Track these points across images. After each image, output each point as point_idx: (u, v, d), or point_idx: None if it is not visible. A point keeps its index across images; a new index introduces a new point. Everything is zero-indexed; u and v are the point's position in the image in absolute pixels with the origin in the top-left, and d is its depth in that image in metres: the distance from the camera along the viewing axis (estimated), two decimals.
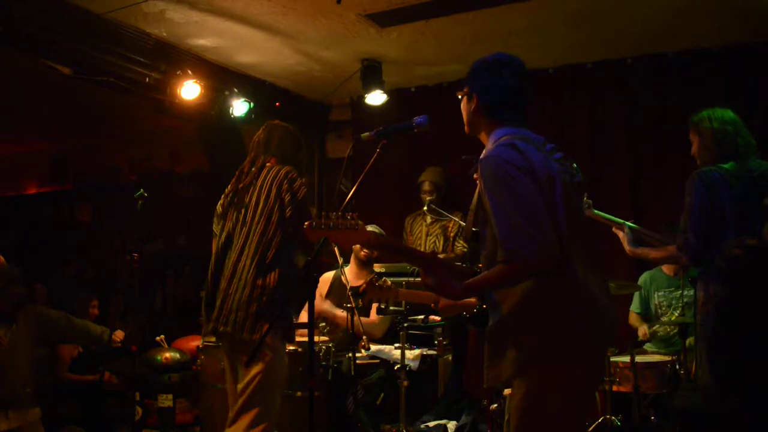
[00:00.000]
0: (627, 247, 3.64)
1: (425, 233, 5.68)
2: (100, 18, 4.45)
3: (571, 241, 2.08)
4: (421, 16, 4.60)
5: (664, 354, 4.55)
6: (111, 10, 4.37)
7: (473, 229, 2.36)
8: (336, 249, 4.25)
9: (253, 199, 3.25)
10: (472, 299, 2.41)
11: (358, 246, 4.70)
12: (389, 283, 3.32)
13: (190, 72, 5.00)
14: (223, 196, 3.44)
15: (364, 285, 3.26)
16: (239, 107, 5.37)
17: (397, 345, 4.32)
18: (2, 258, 4.16)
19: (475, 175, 2.52)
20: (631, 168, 5.40)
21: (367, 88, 5.53)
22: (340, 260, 4.42)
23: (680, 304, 4.61)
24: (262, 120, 5.80)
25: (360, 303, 4.30)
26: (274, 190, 3.19)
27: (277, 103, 5.99)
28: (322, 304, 4.73)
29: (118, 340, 4.58)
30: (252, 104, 5.40)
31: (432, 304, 3.11)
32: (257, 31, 4.81)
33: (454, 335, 4.96)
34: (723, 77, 5.09)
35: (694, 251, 3.16)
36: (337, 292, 4.80)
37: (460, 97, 2.36)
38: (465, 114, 2.34)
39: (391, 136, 2.54)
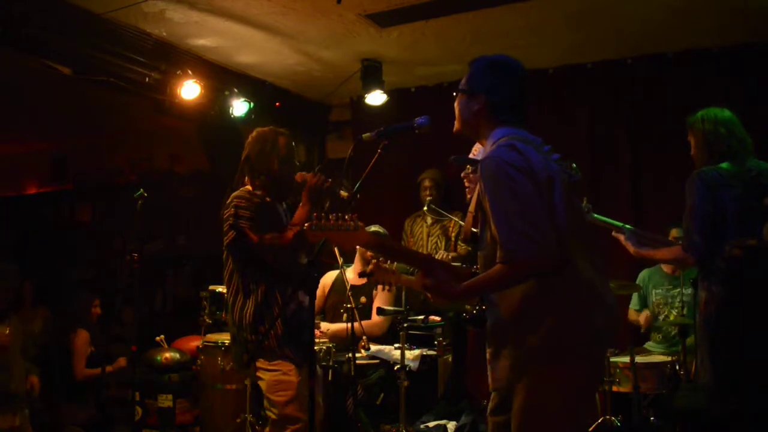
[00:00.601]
0: (631, 248, 3.63)
1: (426, 234, 5.68)
2: (100, 18, 4.45)
3: (571, 241, 2.08)
4: (421, 16, 4.59)
5: (664, 354, 4.55)
6: (111, 10, 4.36)
7: (473, 230, 2.36)
8: (336, 249, 4.25)
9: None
10: None
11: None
12: (394, 266, 3.34)
13: (190, 72, 5.00)
14: None
15: (372, 266, 3.24)
16: (239, 107, 5.37)
17: (397, 345, 4.32)
18: None
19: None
20: (631, 168, 5.40)
21: (367, 88, 5.53)
22: (340, 260, 4.42)
23: (678, 303, 4.62)
24: (262, 120, 5.84)
25: (362, 301, 4.30)
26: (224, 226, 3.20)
27: (277, 103, 5.99)
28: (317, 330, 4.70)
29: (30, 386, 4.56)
30: (252, 104, 5.40)
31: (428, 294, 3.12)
32: (257, 31, 4.81)
33: (454, 335, 4.96)
34: (723, 77, 5.09)
35: (699, 252, 3.17)
36: (338, 290, 4.80)
37: (455, 94, 2.35)
38: (463, 112, 2.32)
39: (392, 136, 2.54)
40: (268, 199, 3.28)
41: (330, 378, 4.07)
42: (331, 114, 6.75)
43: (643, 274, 4.88)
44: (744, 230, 3.12)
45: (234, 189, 3.31)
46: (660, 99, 5.35)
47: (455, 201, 5.54)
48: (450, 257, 5.23)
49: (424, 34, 4.93)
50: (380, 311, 4.44)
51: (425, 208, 5.47)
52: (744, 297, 3.12)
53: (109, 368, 5.20)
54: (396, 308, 4.37)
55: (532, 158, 2.09)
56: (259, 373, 3.14)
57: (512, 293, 2.10)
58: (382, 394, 4.51)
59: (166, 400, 4.88)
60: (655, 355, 4.61)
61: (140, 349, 4.98)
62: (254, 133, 3.42)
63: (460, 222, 5.30)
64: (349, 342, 4.14)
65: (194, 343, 5.06)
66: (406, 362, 4.27)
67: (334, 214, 2.14)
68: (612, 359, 4.22)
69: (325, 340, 4.30)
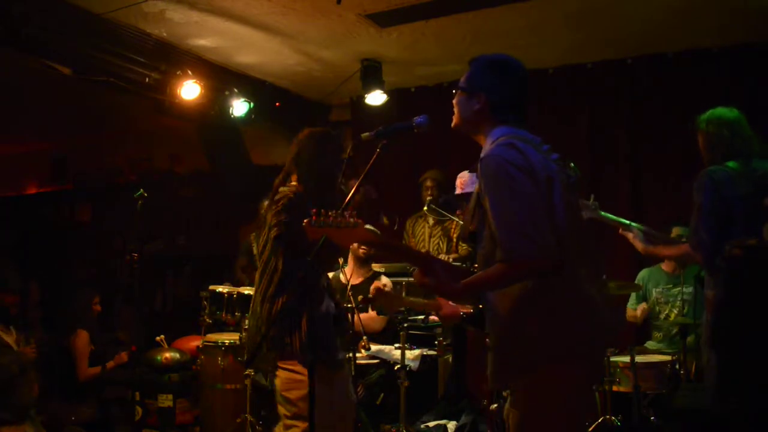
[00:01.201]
0: (639, 245, 3.64)
1: (428, 235, 5.67)
2: (100, 18, 4.45)
3: (570, 241, 2.08)
4: (421, 16, 4.60)
5: (665, 353, 4.55)
6: (111, 10, 4.36)
7: (471, 229, 2.35)
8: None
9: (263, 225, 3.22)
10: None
11: (356, 243, 4.69)
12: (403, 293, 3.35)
13: (190, 72, 5.00)
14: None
15: (373, 292, 3.24)
16: (239, 107, 5.37)
17: (397, 345, 4.32)
18: None
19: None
20: (631, 168, 5.40)
21: (367, 88, 5.53)
22: (341, 260, 4.42)
23: (678, 302, 4.62)
24: (262, 120, 5.85)
25: (360, 299, 4.30)
26: (269, 218, 3.14)
27: (277, 103, 5.99)
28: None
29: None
30: (252, 104, 5.40)
31: (434, 312, 3.10)
32: (257, 31, 4.81)
33: (454, 335, 4.96)
34: (723, 77, 5.10)
35: (706, 250, 3.18)
36: (334, 289, 4.78)
37: (454, 92, 2.35)
38: (463, 111, 2.31)
39: (391, 136, 2.53)
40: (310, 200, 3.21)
41: None
42: (331, 114, 6.76)
43: (642, 274, 4.89)
44: (750, 229, 3.14)
45: (280, 185, 3.24)
46: (660, 99, 5.35)
47: (456, 201, 5.53)
48: (451, 258, 5.23)
49: (424, 34, 4.93)
50: (380, 311, 4.45)
51: (425, 208, 5.47)
52: (744, 297, 3.12)
53: (110, 364, 5.19)
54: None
55: (532, 157, 2.08)
56: (277, 372, 3.14)
57: (511, 293, 2.09)
58: (382, 394, 4.51)
59: (166, 400, 4.87)
60: (655, 354, 4.60)
61: (140, 349, 4.99)
62: (306, 132, 3.30)
63: (461, 222, 5.30)
64: (349, 342, 4.14)
65: (194, 343, 5.07)
66: (406, 362, 4.27)
67: (333, 211, 2.13)
68: (612, 359, 4.22)
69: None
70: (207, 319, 4.68)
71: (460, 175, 3.83)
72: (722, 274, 3.18)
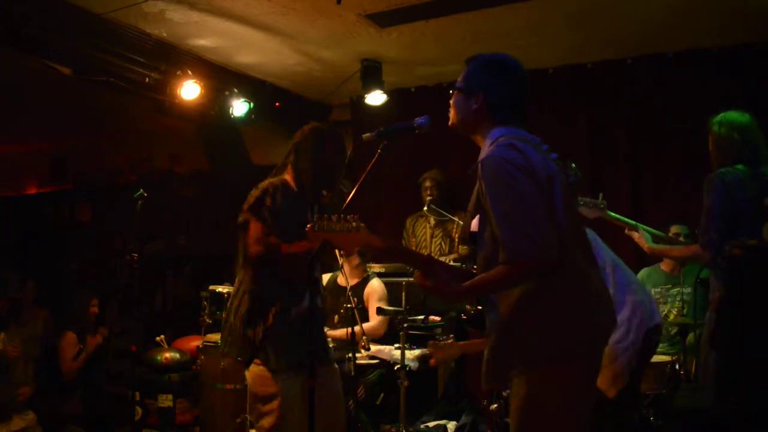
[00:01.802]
0: (646, 245, 3.65)
1: (430, 235, 5.68)
2: (100, 18, 4.45)
3: (569, 241, 2.08)
4: (421, 16, 4.59)
5: (664, 354, 4.55)
6: (111, 10, 4.36)
7: (472, 230, 2.35)
8: (337, 251, 4.23)
9: None
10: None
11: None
12: (449, 341, 3.43)
13: (190, 72, 5.00)
14: None
15: (431, 348, 3.22)
16: (239, 107, 5.37)
17: (397, 345, 4.32)
18: None
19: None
20: (631, 168, 5.40)
21: (367, 88, 5.53)
22: (341, 260, 4.42)
23: (678, 302, 4.62)
24: (262, 120, 5.85)
25: (356, 301, 4.31)
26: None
27: (277, 103, 5.99)
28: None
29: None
30: (252, 104, 5.40)
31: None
32: (257, 31, 4.81)
33: (455, 336, 4.96)
34: (723, 77, 5.09)
35: (715, 250, 3.19)
36: (332, 293, 4.78)
37: (451, 92, 2.34)
38: (460, 111, 2.31)
39: (392, 136, 2.53)
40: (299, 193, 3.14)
41: None
42: (331, 114, 6.75)
43: (641, 273, 4.89)
44: (757, 231, 3.15)
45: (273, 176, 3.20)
46: (660, 99, 5.35)
47: (457, 201, 5.54)
48: (451, 259, 5.23)
49: (424, 34, 4.93)
50: (380, 311, 4.44)
51: (425, 208, 5.47)
52: (744, 297, 3.12)
53: (89, 348, 5.18)
54: (396, 308, 4.37)
55: (532, 157, 2.08)
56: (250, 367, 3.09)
57: (511, 293, 2.09)
58: (382, 394, 4.51)
59: (166, 400, 4.88)
60: (655, 354, 4.60)
61: (140, 349, 4.98)
62: (312, 124, 3.24)
63: (462, 223, 5.30)
64: (349, 342, 4.14)
65: (194, 343, 5.06)
66: (406, 362, 4.26)
67: (335, 215, 2.11)
68: None
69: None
70: (207, 319, 4.69)
71: None
72: (723, 274, 3.19)
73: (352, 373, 4.12)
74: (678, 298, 4.65)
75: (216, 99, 5.36)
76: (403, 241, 5.79)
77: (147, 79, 4.96)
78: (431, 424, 4.56)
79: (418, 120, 2.52)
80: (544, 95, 5.52)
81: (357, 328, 4.07)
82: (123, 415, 5.02)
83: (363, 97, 5.68)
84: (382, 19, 4.65)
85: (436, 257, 5.00)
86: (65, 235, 8.69)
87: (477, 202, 2.19)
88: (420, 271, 2.14)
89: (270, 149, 6.26)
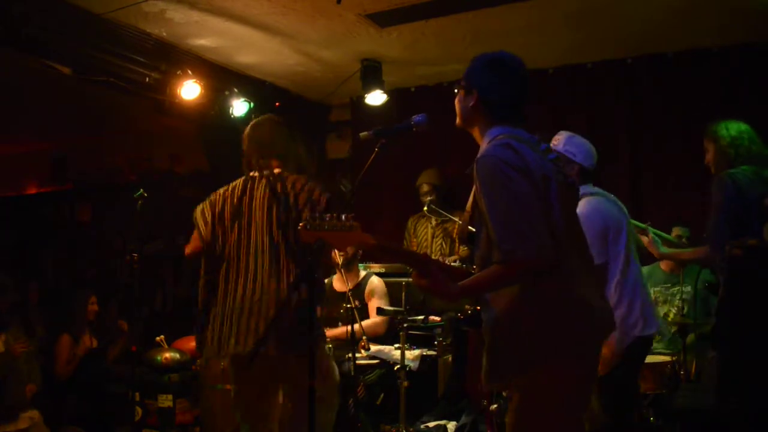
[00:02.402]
0: (656, 251, 3.66)
1: (431, 235, 5.68)
2: (100, 18, 4.45)
3: (566, 240, 2.08)
4: (421, 16, 4.59)
5: (664, 354, 4.55)
6: (111, 10, 4.36)
7: (469, 229, 2.35)
8: (336, 251, 4.22)
9: (264, 209, 3.19)
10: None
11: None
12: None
13: (190, 72, 5.00)
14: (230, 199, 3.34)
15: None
16: (239, 107, 5.37)
17: (397, 345, 4.32)
18: None
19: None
20: (631, 168, 5.40)
21: (367, 88, 5.53)
22: (340, 260, 4.41)
23: (678, 301, 4.62)
24: None
25: (357, 303, 4.30)
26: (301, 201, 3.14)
27: (277, 103, 5.98)
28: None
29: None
30: (252, 104, 5.40)
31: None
32: (257, 31, 4.81)
33: (454, 335, 4.96)
34: (723, 77, 5.10)
35: (724, 249, 3.19)
36: (329, 298, 4.76)
37: (456, 91, 2.35)
38: (460, 109, 2.32)
39: (390, 135, 2.53)
40: None
41: None
42: (331, 114, 6.75)
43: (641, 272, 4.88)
44: (760, 232, 3.16)
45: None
46: (660, 99, 5.35)
47: (456, 201, 5.54)
48: (451, 261, 5.23)
49: (424, 34, 4.93)
50: (380, 311, 4.44)
51: (425, 208, 5.47)
52: (744, 297, 3.12)
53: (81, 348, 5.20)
54: (396, 308, 4.37)
55: (528, 157, 2.08)
56: None
57: (507, 293, 2.09)
58: (382, 394, 4.51)
59: (166, 400, 4.87)
60: (655, 355, 4.60)
61: (140, 349, 4.98)
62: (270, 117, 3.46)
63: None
64: (349, 342, 4.14)
65: (194, 343, 5.05)
66: (406, 362, 4.26)
67: (329, 214, 2.11)
68: None
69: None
70: None
71: (559, 132, 3.73)
72: (723, 274, 3.20)
73: (352, 373, 4.12)
74: (677, 298, 4.65)
75: (216, 99, 5.36)
76: (405, 242, 5.79)
77: (147, 79, 4.96)
78: (431, 424, 4.56)
79: (416, 118, 2.52)
80: (543, 95, 5.52)
81: (356, 327, 4.07)
82: (123, 415, 5.02)
83: (363, 97, 5.68)
84: (382, 19, 4.65)
85: (437, 257, 5.04)
86: (65, 235, 8.68)
87: (474, 201, 2.19)
88: (415, 269, 2.13)
89: None
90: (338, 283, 4.83)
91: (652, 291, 4.80)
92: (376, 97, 5.59)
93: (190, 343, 5.24)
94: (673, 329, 4.67)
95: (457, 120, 2.35)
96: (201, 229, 3.28)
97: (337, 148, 6.69)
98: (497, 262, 2.02)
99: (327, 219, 2.08)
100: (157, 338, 5.26)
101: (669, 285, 4.75)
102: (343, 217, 2.08)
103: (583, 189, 3.27)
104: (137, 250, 4.55)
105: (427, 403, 4.75)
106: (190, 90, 4.98)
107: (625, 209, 3.46)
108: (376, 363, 4.55)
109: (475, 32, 4.88)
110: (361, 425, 4.16)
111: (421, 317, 4.39)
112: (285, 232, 3.11)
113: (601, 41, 5.15)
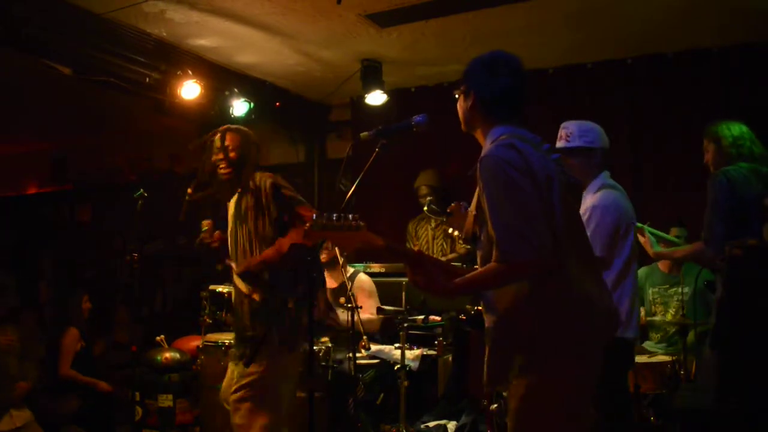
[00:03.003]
0: (651, 250, 3.67)
1: (431, 237, 5.69)
2: (100, 18, 4.45)
3: (568, 241, 2.08)
4: (421, 16, 4.60)
5: (664, 354, 4.55)
6: (111, 10, 4.37)
7: (472, 229, 2.35)
8: (337, 250, 4.23)
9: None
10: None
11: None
12: None
13: (190, 72, 5.00)
14: None
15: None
16: (239, 107, 5.37)
17: (397, 345, 4.32)
18: None
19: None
20: (631, 168, 5.39)
21: (367, 88, 5.53)
22: (341, 260, 4.42)
23: (676, 301, 4.62)
24: (262, 120, 5.85)
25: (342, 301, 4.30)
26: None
27: (277, 103, 5.99)
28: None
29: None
30: (252, 104, 5.40)
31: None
32: (257, 31, 4.81)
33: (455, 335, 4.96)
34: (723, 77, 5.10)
35: (720, 246, 3.20)
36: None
37: (457, 96, 2.35)
38: (461, 112, 2.33)
39: (390, 135, 2.53)
40: None
41: (330, 378, 4.06)
42: (331, 114, 6.76)
43: (640, 273, 4.88)
44: (760, 230, 3.16)
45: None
46: (660, 99, 5.35)
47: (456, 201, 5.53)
48: (450, 259, 5.23)
49: (424, 34, 4.93)
50: (380, 311, 4.44)
51: (425, 209, 5.46)
52: (744, 297, 3.12)
53: (88, 379, 5.19)
54: (396, 308, 4.37)
55: (530, 157, 2.08)
56: None
57: (509, 293, 2.09)
58: (382, 394, 4.50)
59: (166, 400, 4.87)
60: (655, 355, 4.60)
61: (140, 349, 4.98)
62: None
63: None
64: (349, 342, 4.14)
65: (194, 343, 5.06)
66: (406, 362, 4.26)
67: (336, 214, 2.09)
68: None
69: (326, 339, 4.29)
70: (207, 319, 4.67)
71: (563, 125, 3.71)
72: (723, 273, 3.20)
73: (352, 373, 4.12)
74: (676, 298, 4.65)
75: (216, 99, 5.36)
76: (407, 245, 5.79)
77: (147, 79, 4.96)
78: (431, 424, 4.56)
79: (416, 118, 2.51)
80: (543, 95, 5.52)
81: (347, 319, 4.06)
82: (123, 415, 5.02)
83: (363, 97, 5.68)
84: (382, 19, 4.65)
85: (437, 258, 5.03)
86: (65, 235, 8.69)
87: (477, 201, 2.19)
88: (408, 267, 2.12)
89: (270, 149, 6.26)
90: (328, 280, 4.80)
91: (650, 291, 4.80)
92: (376, 98, 5.59)
93: (190, 343, 5.25)
94: (672, 330, 4.67)
95: (462, 125, 2.35)
96: None
97: (337, 149, 6.69)
98: (496, 260, 2.01)
99: (333, 219, 2.06)
100: (157, 338, 5.26)
101: (667, 286, 4.75)
102: (350, 217, 2.06)
103: (601, 179, 3.34)
104: (137, 250, 4.55)
105: (427, 403, 4.75)
106: (190, 90, 4.98)
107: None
108: (376, 363, 4.55)
109: (475, 32, 4.88)
110: (361, 425, 4.17)
111: (422, 317, 4.39)
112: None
113: (601, 41, 5.15)
